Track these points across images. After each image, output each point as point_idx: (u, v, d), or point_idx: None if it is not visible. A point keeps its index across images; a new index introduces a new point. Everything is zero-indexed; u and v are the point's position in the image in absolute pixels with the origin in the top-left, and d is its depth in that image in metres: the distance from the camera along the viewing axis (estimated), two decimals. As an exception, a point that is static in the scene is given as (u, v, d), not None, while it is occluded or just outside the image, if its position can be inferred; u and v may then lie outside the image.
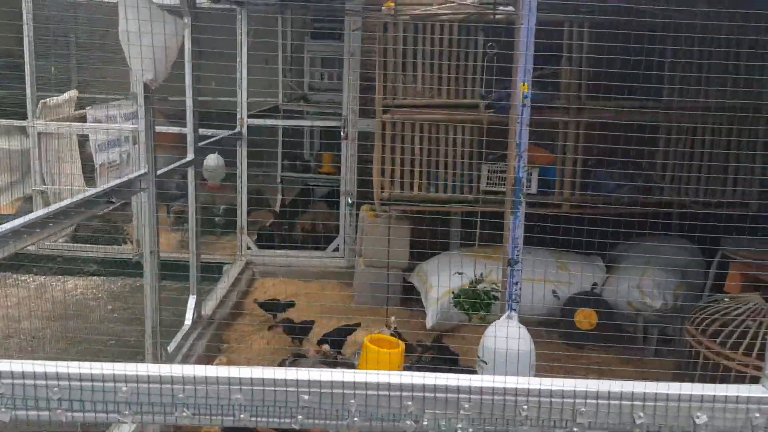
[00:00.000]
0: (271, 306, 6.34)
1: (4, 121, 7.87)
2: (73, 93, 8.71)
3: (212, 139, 6.86)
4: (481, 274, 6.12)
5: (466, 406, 1.37)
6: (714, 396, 1.38)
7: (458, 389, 1.44)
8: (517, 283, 4.51)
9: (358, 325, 5.54)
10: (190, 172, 5.56)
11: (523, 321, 6.29)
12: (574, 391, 1.37)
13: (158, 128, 10.11)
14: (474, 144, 5.98)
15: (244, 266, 7.65)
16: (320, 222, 8.42)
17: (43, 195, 7.83)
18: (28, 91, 7.62)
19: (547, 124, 5.92)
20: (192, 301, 5.71)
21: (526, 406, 1.34)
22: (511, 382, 1.42)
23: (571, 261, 6.49)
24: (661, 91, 5.92)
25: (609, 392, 1.37)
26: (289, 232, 8.44)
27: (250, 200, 9.30)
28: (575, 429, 1.36)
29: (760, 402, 1.39)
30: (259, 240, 8.04)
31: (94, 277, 7.72)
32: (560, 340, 6.02)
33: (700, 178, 5.96)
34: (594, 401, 1.35)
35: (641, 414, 1.35)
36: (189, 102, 5.43)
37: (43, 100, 7.89)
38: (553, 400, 1.38)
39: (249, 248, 7.83)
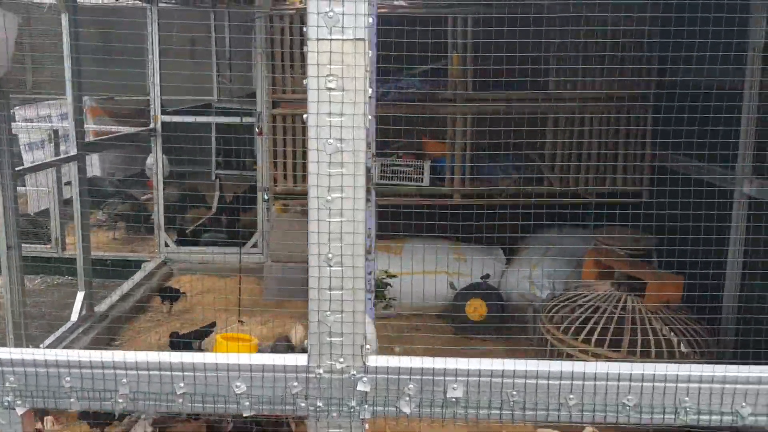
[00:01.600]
0: (165, 291, 6.44)
1: None
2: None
3: (115, 135, 6.88)
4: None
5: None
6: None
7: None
8: (370, 273, 4.55)
9: (213, 325, 5.52)
10: (73, 168, 5.57)
11: (421, 312, 6.39)
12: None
13: (98, 127, 10.18)
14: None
15: (162, 264, 7.66)
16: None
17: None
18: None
19: (437, 117, 5.95)
20: (80, 296, 5.73)
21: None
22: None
23: (469, 252, 6.52)
24: (547, 82, 5.94)
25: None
26: (220, 228, 8.48)
27: (184, 197, 9.37)
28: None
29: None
30: (187, 237, 8.06)
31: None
32: (455, 332, 6.05)
33: (589, 168, 5.97)
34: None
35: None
36: (69, 97, 5.46)
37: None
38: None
39: (167, 245, 7.85)
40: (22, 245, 7.93)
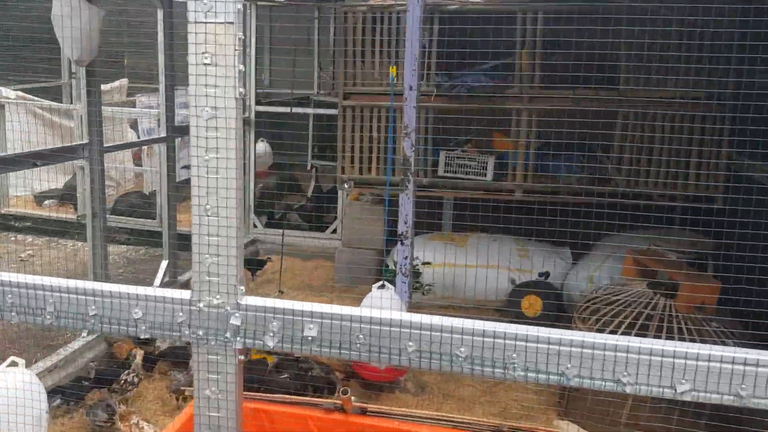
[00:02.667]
0: (249, 263, 6.92)
1: (54, 104, 8.92)
2: (123, 81, 9.67)
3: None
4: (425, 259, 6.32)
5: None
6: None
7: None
8: (406, 257, 4.72)
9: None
10: (161, 149, 6.14)
11: (480, 306, 6.46)
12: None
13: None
14: (429, 130, 6.16)
15: (249, 243, 8.21)
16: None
17: (83, 170, 8.78)
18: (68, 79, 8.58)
19: (502, 111, 6.01)
20: (164, 264, 6.33)
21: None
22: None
23: (535, 249, 6.52)
24: (617, 80, 5.83)
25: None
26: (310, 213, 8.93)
27: (282, 186, 9.92)
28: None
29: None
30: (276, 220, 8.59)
31: (122, 246, 8.59)
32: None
33: (659, 170, 5.80)
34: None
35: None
36: (161, 86, 6.03)
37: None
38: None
39: (255, 226, 8.39)
40: (134, 219, 8.91)
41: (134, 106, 9.73)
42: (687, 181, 5.76)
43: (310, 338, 1.61)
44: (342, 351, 1.61)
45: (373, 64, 6.13)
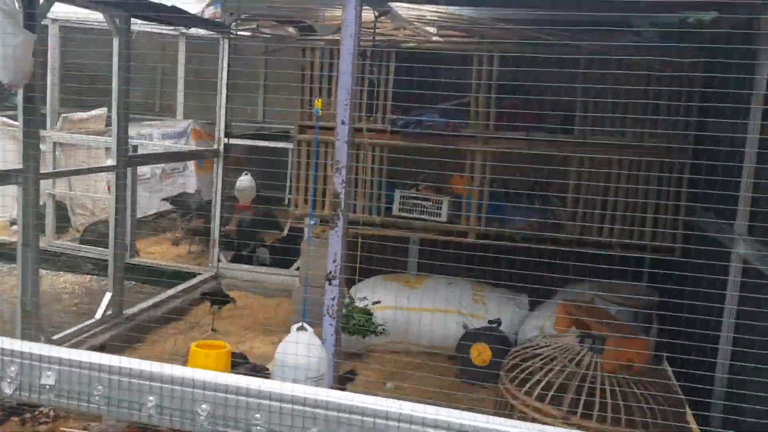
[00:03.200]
0: (214, 297, 6.77)
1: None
2: (102, 110, 9.66)
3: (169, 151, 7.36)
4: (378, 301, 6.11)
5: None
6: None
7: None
8: (333, 299, 4.52)
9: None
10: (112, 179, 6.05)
11: (435, 350, 6.22)
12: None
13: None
14: (383, 169, 6.03)
15: (211, 277, 8.05)
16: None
17: (53, 197, 8.72)
18: (48, 107, 8.58)
19: (458, 152, 5.88)
20: (107, 296, 6.17)
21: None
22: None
23: (490, 295, 6.31)
24: (573, 125, 5.70)
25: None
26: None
27: (256, 222, 9.81)
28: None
29: None
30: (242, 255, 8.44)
31: (87, 276, 8.47)
32: (459, 376, 5.84)
33: (615, 218, 5.62)
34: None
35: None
36: (114, 114, 5.97)
37: (64, 115, 8.87)
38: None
39: (220, 261, 8.25)
40: (98, 249, 8.79)
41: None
42: (643, 230, 5.57)
43: (47, 387, 1.44)
44: (80, 403, 1.43)
45: (330, 98, 6.04)
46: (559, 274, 6.06)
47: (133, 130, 10.13)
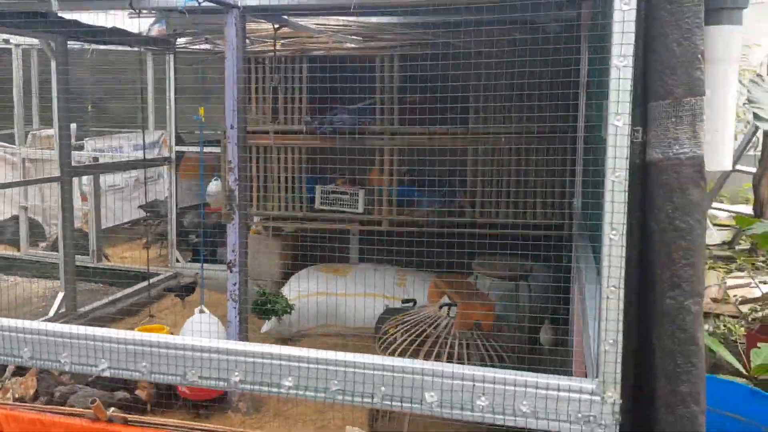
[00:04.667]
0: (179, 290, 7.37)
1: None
2: (72, 126, 10.27)
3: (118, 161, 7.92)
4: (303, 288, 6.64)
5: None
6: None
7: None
8: (235, 284, 5.07)
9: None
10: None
11: (363, 332, 6.75)
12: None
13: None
14: (302, 166, 6.58)
15: (171, 276, 8.63)
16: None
17: (26, 210, 9.35)
18: (15, 125, 9.22)
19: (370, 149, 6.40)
20: (60, 296, 6.76)
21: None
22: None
23: (410, 278, 6.83)
24: (467, 118, 6.20)
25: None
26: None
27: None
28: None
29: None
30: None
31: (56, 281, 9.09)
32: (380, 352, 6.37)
33: (507, 201, 6.11)
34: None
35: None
36: (55, 128, 6.56)
37: (32, 132, 9.51)
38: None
39: (178, 261, 8.83)
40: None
41: (82, 149, 10.34)
42: (535, 211, 6.06)
43: None
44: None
45: (256, 105, 6.59)
46: (463, 256, 6.56)
47: (104, 143, 10.80)
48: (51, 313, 6.60)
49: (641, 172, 1.54)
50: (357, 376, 1.68)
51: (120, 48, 9.04)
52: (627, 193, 1.43)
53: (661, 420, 1.50)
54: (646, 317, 1.54)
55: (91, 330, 2.07)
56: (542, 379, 1.55)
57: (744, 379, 3.61)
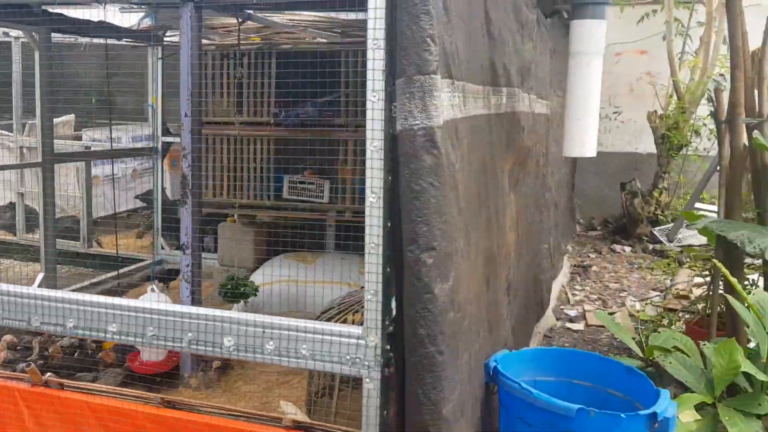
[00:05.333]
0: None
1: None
2: (70, 117, 10.66)
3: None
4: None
5: None
6: None
7: None
8: (188, 265, 5.32)
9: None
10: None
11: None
12: None
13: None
14: (271, 157, 6.82)
15: (157, 263, 8.93)
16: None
17: (22, 196, 9.72)
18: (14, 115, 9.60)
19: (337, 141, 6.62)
20: (39, 276, 7.08)
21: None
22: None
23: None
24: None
25: None
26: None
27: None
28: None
29: None
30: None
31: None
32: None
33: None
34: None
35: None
36: (38, 119, 6.87)
37: (30, 122, 9.88)
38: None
39: (163, 248, 9.13)
40: (63, 241, 9.78)
41: (80, 140, 10.71)
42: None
43: None
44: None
45: (225, 98, 6.85)
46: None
47: (103, 134, 11.16)
48: (30, 293, 6.91)
49: (392, 142, 1.73)
50: (168, 323, 1.90)
51: (118, 42, 9.35)
52: (384, 161, 1.63)
53: (407, 360, 1.69)
54: (398, 270, 1.73)
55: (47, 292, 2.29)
56: (319, 325, 1.75)
57: (639, 361, 3.76)
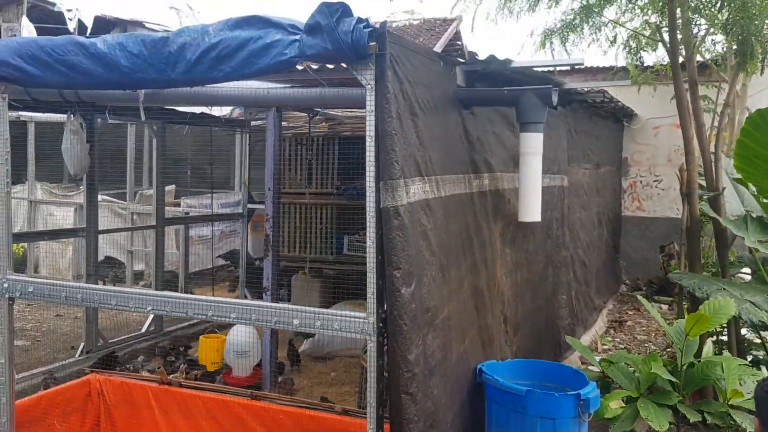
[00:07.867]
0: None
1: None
2: (171, 187, 12.68)
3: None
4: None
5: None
6: None
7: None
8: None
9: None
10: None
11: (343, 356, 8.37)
12: None
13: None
14: (334, 220, 8.45)
15: (239, 310, 10.60)
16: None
17: (131, 254, 11.69)
18: (128, 186, 11.66)
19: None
20: (150, 317, 8.82)
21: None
22: None
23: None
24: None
25: None
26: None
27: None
28: None
29: None
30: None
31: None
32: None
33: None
34: None
35: None
36: (154, 189, 8.74)
37: (139, 191, 11.93)
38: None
39: (246, 297, 10.82)
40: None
41: (179, 206, 12.70)
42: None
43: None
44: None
45: (298, 173, 8.57)
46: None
47: (196, 201, 13.14)
48: (143, 329, 8.64)
49: (380, 212, 3.22)
50: (263, 312, 3.43)
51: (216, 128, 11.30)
52: (377, 220, 3.11)
53: (388, 330, 3.11)
54: (385, 280, 3.18)
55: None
56: (347, 312, 3.22)
57: (599, 372, 5.01)
